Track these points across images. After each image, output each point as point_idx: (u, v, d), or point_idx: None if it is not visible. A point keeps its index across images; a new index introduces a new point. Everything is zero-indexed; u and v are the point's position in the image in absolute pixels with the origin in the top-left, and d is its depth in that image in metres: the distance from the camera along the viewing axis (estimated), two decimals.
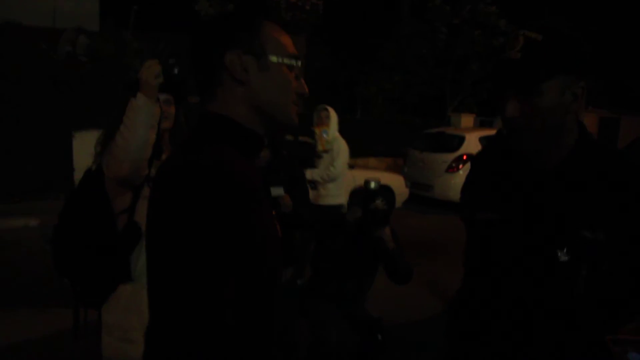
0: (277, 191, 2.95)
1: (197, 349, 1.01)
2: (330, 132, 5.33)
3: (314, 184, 5.27)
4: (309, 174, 5.10)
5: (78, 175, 2.35)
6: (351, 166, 9.75)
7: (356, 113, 19.42)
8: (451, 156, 10.82)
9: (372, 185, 3.48)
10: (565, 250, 1.42)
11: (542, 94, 1.38)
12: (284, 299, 2.99)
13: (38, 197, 9.56)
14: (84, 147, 5.62)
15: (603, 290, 1.44)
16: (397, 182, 9.95)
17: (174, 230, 1.03)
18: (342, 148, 5.40)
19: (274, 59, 1.20)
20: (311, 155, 5.50)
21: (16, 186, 9.73)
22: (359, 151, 13.68)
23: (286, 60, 1.22)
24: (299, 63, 1.25)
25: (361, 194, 3.45)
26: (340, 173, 5.35)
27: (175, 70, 2.13)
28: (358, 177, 9.42)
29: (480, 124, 18.08)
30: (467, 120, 16.66)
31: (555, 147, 1.47)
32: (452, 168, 10.68)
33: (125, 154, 2.05)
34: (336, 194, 5.47)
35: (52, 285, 2.30)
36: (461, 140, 11.05)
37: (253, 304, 1.10)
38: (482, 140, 10.83)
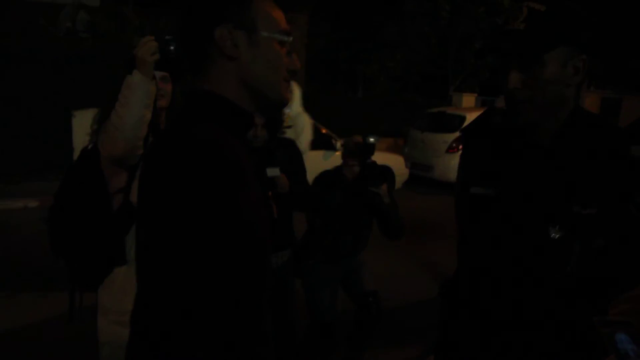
0: (274, 171, 2.93)
1: (183, 326, 1.01)
2: (294, 107, 5.26)
3: None
4: None
5: (78, 155, 2.34)
6: None
7: (357, 92, 19.34)
8: (452, 136, 10.77)
9: (371, 139, 3.51)
10: (557, 226, 1.42)
11: (544, 65, 1.39)
12: (278, 279, 3.00)
13: (37, 178, 9.55)
14: (83, 127, 5.59)
15: (596, 266, 1.45)
16: (397, 163, 9.93)
17: (162, 207, 1.03)
18: (306, 124, 5.31)
19: (265, 34, 1.17)
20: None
21: (15, 167, 9.73)
22: (359, 130, 13.66)
23: (277, 36, 1.19)
24: (291, 38, 1.22)
25: (357, 149, 3.46)
26: (305, 149, 5.28)
27: (172, 47, 2.10)
28: None
29: (482, 104, 18.01)
30: (468, 100, 16.62)
31: (553, 119, 1.48)
32: (453, 148, 10.64)
33: (120, 132, 2.03)
34: None
35: (51, 268, 2.30)
36: (462, 120, 10.99)
37: (242, 281, 1.08)
38: None
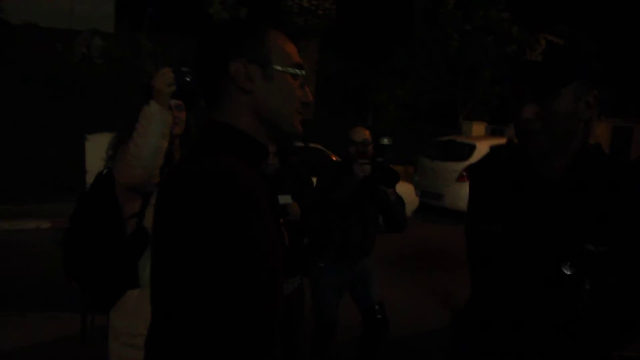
0: (285, 199, 2.95)
1: (196, 352, 1.02)
2: None
3: None
4: None
5: (90, 178, 2.38)
6: None
7: (367, 120, 19.42)
8: (462, 165, 10.74)
9: (385, 141, 3.56)
10: (569, 263, 1.42)
11: (560, 98, 1.39)
12: (289, 305, 2.99)
13: (50, 200, 9.62)
14: (96, 150, 5.66)
15: (608, 305, 1.44)
16: (407, 191, 9.91)
17: (176, 236, 1.05)
18: None
19: (278, 67, 1.20)
20: (322, 161, 5.44)
21: (28, 188, 9.81)
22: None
23: (290, 70, 1.22)
24: (303, 72, 1.25)
25: (370, 149, 3.56)
26: None
27: (188, 79, 2.14)
28: None
29: (492, 133, 18.02)
30: (478, 128, 16.61)
31: (562, 153, 1.48)
32: (463, 177, 10.61)
33: (137, 161, 2.06)
34: None
35: (62, 288, 2.31)
36: (472, 148, 10.98)
37: (254, 309, 1.10)
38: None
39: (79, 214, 2.31)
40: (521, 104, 1.43)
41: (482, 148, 10.81)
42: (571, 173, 1.49)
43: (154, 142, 2.07)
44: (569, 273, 1.41)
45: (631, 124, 20.21)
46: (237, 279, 1.05)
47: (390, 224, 3.68)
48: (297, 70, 1.23)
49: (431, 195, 11.09)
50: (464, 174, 10.63)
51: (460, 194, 10.26)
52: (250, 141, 1.21)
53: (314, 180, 3.50)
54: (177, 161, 1.14)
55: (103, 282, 2.22)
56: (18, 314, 4.76)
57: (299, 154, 7.29)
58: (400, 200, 3.61)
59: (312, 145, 8.91)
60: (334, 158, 9.20)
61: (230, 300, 1.05)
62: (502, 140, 10.60)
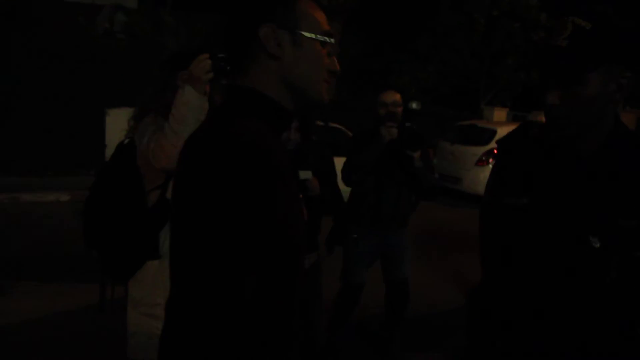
0: (306, 174, 2.95)
1: (216, 321, 1.02)
2: None
3: None
4: None
5: (109, 152, 2.38)
6: None
7: None
8: (481, 149, 10.67)
9: (414, 105, 3.60)
10: (597, 237, 1.40)
11: (585, 83, 1.36)
12: (306, 280, 3.00)
13: (70, 173, 9.73)
14: (116, 125, 5.70)
15: (635, 278, 1.42)
16: None
17: (199, 202, 1.04)
18: None
19: (308, 34, 1.19)
20: (341, 141, 5.39)
21: (48, 161, 9.92)
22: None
23: (320, 37, 1.21)
24: (332, 40, 1.23)
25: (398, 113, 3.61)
26: None
27: (224, 65, 2.13)
28: None
29: (514, 119, 17.81)
30: (500, 114, 16.43)
31: (593, 135, 1.45)
32: (482, 161, 10.54)
33: (175, 148, 2.04)
34: None
35: (80, 260, 2.34)
36: (492, 133, 10.89)
37: (274, 279, 1.10)
38: None
39: (100, 183, 2.33)
40: (546, 90, 1.41)
41: (503, 133, 10.66)
42: (603, 150, 1.46)
43: (192, 129, 2.06)
44: (597, 246, 1.39)
45: None
46: (260, 248, 1.04)
47: (418, 191, 3.73)
48: (327, 38, 1.22)
49: (450, 179, 11.05)
50: (484, 158, 10.56)
51: (479, 178, 10.21)
52: (277, 107, 1.20)
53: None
54: (201, 124, 1.13)
55: (123, 252, 2.23)
56: (37, 284, 4.84)
57: (319, 133, 7.29)
58: (430, 167, 3.69)
59: (332, 124, 8.88)
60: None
61: (252, 270, 1.04)
62: None
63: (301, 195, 2.97)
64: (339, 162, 3.54)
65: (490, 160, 10.47)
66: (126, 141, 2.35)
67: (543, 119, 1.53)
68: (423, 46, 18.98)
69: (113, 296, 2.41)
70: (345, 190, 3.44)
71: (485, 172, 10.25)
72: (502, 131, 10.85)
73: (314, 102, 1.26)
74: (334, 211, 3.55)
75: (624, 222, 1.39)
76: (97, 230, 2.26)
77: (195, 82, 2.10)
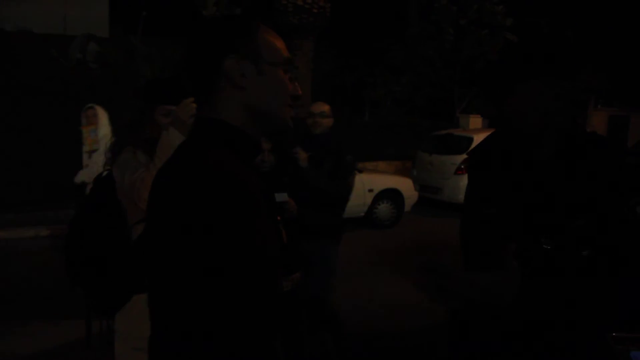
0: (282, 196, 2.97)
1: (194, 351, 1.03)
2: (101, 130, 5.35)
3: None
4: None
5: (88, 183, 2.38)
6: (360, 170, 9.79)
7: (364, 116, 19.43)
8: (459, 158, 10.78)
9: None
10: (548, 238, 1.45)
11: (516, 95, 1.41)
12: (290, 302, 3.00)
13: (48, 207, 9.60)
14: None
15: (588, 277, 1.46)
16: (406, 185, 9.95)
17: (176, 231, 1.05)
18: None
19: (269, 62, 1.22)
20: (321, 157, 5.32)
21: (26, 195, 9.79)
22: (367, 154, 13.71)
23: (281, 64, 1.24)
24: (294, 67, 1.29)
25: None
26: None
27: None
28: (366, 180, 9.45)
29: (489, 125, 18.02)
30: (475, 121, 16.62)
31: (544, 141, 1.50)
32: (461, 170, 10.64)
33: None
34: None
35: (63, 295, 2.31)
36: (469, 141, 11.02)
37: (254, 307, 1.10)
38: None
39: (80, 218, 2.32)
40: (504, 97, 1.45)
41: (480, 140, 10.81)
42: (556, 157, 1.52)
43: None
44: (548, 247, 1.44)
45: (627, 112, 20.26)
46: (235, 277, 1.05)
47: (317, 195, 3.47)
48: (287, 65, 1.26)
49: (430, 189, 11.14)
50: (462, 166, 10.66)
51: (459, 187, 10.31)
52: (244, 137, 1.22)
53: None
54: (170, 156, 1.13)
55: (109, 287, 2.22)
56: (20, 322, 4.76)
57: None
58: (323, 174, 3.49)
59: None
60: None
61: (229, 299, 1.05)
62: None
63: (279, 218, 3.01)
64: None
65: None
66: (104, 174, 2.36)
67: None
68: (395, 58, 19.18)
69: (101, 331, 2.40)
70: None
71: (465, 181, 10.28)
72: (479, 138, 10.96)
73: (279, 128, 1.30)
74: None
75: (572, 222, 1.44)
76: (81, 267, 2.25)
77: (180, 125, 2.13)
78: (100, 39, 11.50)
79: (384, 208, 9.65)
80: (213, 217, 1.03)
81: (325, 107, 3.75)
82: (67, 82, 10.29)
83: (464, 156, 10.65)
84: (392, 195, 9.71)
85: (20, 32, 10.80)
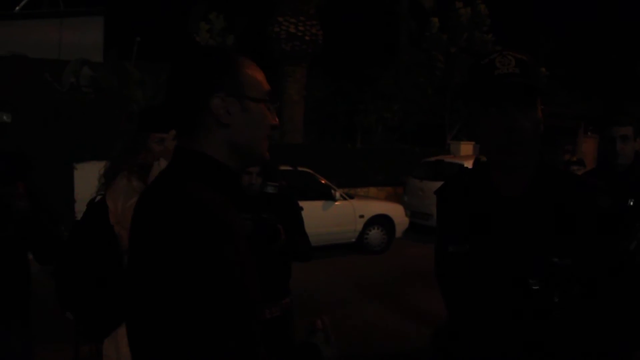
0: (271, 188, 2.94)
1: None
2: None
3: None
4: None
5: (79, 207, 2.39)
6: (351, 196, 9.83)
7: (356, 142, 19.54)
8: None
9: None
10: (536, 279, 1.45)
11: (535, 109, 1.45)
12: (275, 330, 2.97)
13: None
14: (85, 178, 5.67)
15: (577, 316, 1.47)
16: (397, 212, 9.99)
17: (154, 263, 1.07)
18: None
19: (253, 98, 1.23)
20: (310, 185, 5.32)
21: None
22: (359, 180, 13.77)
23: (263, 98, 1.25)
24: (275, 100, 1.30)
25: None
26: None
27: None
28: (357, 206, 9.49)
29: (480, 152, 18.14)
30: (466, 148, 16.74)
31: (527, 169, 1.53)
32: None
33: None
34: None
35: (51, 319, 2.31)
36: (460, 168, 11.09)
37: (235, 337, 1.08)
38: None
39: (72, 243, 2.33)
40: (507, 115, 1.44)
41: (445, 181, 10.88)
42: (533, 189, 1.53)
43: None
44: (536, 288, 1.44)
45: None
46: (216, 305, 1.05)
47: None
48: (268, 97, 1.27)
49: (421, 215, 11.17)
50: None
51: None
52: (225, 170, 1.23)
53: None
54: (150, 185, 1.14)
55: (99, 313, 2.22)
56: None
57: (287, 178, 7.34)
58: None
59: (300, 169, 8.96)
60: (322, 181, 9.25)
61: (206, 334, 1.04)
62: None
63: (268, 243, 2.99)
64: (308, 206, 3.52)
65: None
66: (97, 198, 2.36)
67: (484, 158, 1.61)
68: (387, 85, 19.38)
69: (90, 356, 2.39)
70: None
71: None
72: (470, 165, 11.07)
73: (256, 160, 1.32)
74: (297, 257, 3.33)
75: (559, 262, 1.45)
76: (71, 292, 2.25)
77: (170, 156, 2.14)
78: (94, 64, 11.55)
79: (374, 234, 9.67)
80: (192, 251, 1.04)
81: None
82: (59, 106, 10.32)
83: None
84: (383, 221, 9.74)
85: (14, 56, 10.84)
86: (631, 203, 2.74)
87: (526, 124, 1.44)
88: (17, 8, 16.40)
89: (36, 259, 2.83)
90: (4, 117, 3.20)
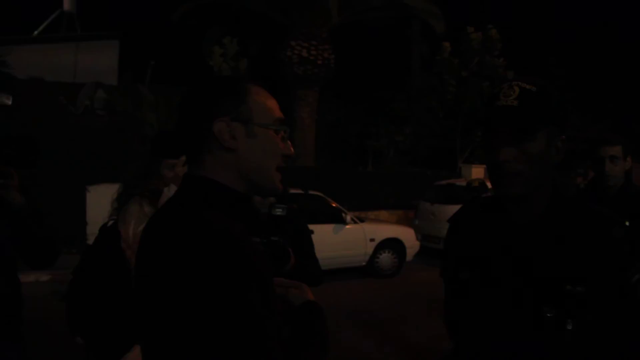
0: (279, 211, 2.92)
1: None
2: None
3: None
4: None
5: (91, 230, 2.40)
6: (362, 219, 9.82)
7: (367, 165, 19.57)
8: None
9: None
10: (549, 306, 1.45)
11: (535, 141, 1.45)
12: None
13: None
14: (97, 201, 5.72)
15: (590, 345, 1.47)
16: (408, 235, 9.96)
17: (171, 292, 1.05)
18: None
19: (260, 124, 1.22)
20: (321, 209, 5.29)
21: None
22: (370, 204, 13.76)
23: (273, 125, 1.24)
24: (286, 128, 1.27)
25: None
26: None
27: None
28: (368, 230, 9.47)
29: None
30: (477, 171, 16.70)
31: (537, 197, 1.53)
32: None
33: None
34: None
35: (61, 343, 2.31)
36: (472, 191, 11.07)
37: None
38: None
39: (83, 267, 2.34)
40: (498, 147, 1.46)
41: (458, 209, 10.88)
42: (545, 217, 1.53)
43: None
44: (550, 315, 1.44)
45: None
46: (234, 344, 1.02)
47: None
48: (279, 126, 1.25)
49: (432, 239, 11.12)
50: None
51: None
52: (236, 195, 1.22)
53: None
54: (158, 212, 1.13)
55: (110, 338, 2.22)
56: None
57: (299, 201, 7.34)
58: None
59: (312, 192, 8.97)
60: (333, 205, 9.25)
61: (226, 356, 1.02)
62: None
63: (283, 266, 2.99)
64: (319, 229, 3.50)
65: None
66: (110, 223, 2.38)
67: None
68: (398, 109, 19.46)
69: None
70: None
71: None
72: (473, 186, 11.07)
73: (267, 191, 1.30)
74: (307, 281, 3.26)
75: (572, 289, 1.45)
76: (82, 316, 2.26)
77: (179, 182, 2.16)
78: (108, 87, 11.73)
79: (385, 257, 9.63)
80: (212, 282, 1.02)
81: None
82: (73, 129, 10.44)
83: None
84: (393, 244, 9.70)
85: (31, 79, 11.04)
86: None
87: (521, 156, 1.45)
88: (36, 32, 16.74)
89: (27, 262, 2.72)
90: (5, 99, 3.18)
